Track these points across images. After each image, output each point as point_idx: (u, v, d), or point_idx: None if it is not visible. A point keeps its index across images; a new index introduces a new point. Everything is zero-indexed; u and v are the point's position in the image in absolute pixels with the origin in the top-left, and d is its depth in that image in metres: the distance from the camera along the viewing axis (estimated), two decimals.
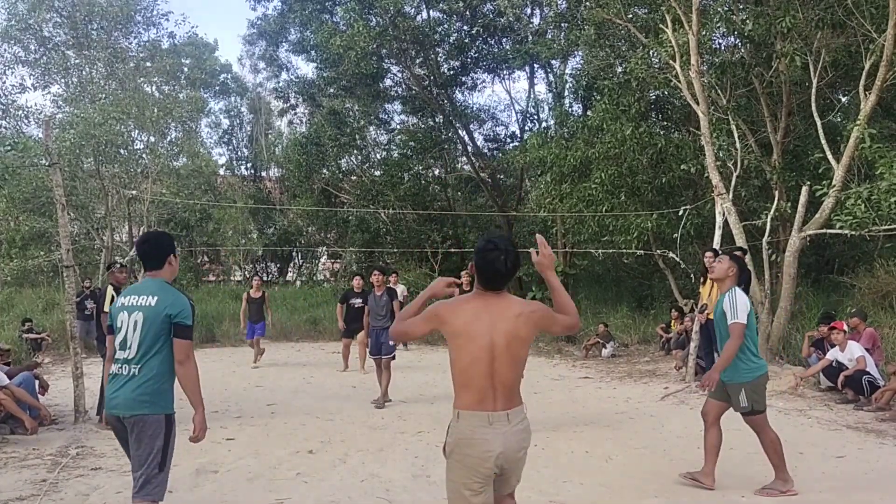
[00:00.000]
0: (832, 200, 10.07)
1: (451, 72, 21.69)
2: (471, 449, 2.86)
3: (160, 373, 3.55)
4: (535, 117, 22.47)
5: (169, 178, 22.29)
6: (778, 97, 12.69)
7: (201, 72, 29.18)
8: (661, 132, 15.15)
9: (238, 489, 5.14)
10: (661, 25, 12.17)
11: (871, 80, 9.97)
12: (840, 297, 12.79)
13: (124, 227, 20.84)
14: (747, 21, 11.53)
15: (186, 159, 24.75)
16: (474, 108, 23.28)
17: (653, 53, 13.03)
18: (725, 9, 11.83)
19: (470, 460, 2.86)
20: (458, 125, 21.71)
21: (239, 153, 32.07)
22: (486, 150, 23.37)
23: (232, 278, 26.83)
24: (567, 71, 19.55)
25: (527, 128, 22.30)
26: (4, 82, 23.06)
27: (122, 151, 19.32)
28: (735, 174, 11.73)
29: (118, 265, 7.93)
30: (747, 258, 10.58)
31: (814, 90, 11.07)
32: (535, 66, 20.78)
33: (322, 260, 27.85)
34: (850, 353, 8.31)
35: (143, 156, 20.79)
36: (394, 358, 8.85)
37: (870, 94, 9.90)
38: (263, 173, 31.03)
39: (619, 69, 14.99)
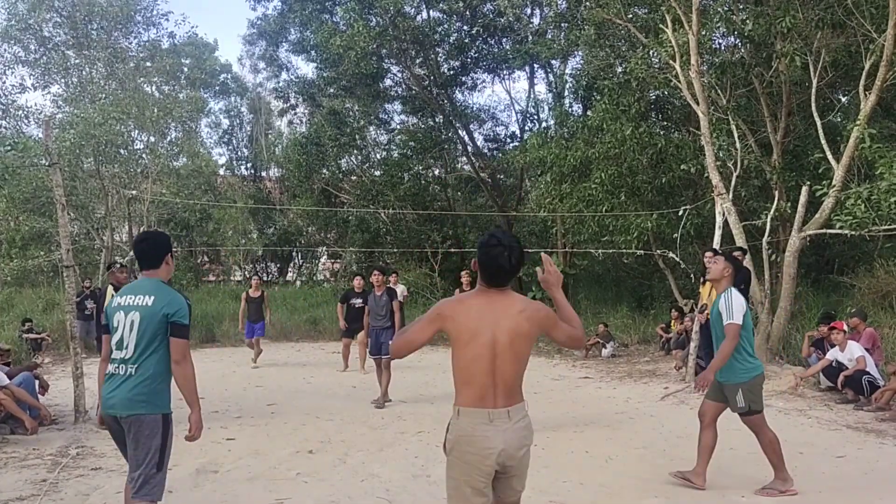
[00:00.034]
0: (832, 200, 10.07)
1: (451, 72, 21.69)
2: (471, 446, 2.84)
3: (157, 372, 3.56)
4: (535, 117, 22.50)
5: (169, 178, 22.30)
6: (778, 97, 12.69)
7: (201, 72, 29.18)
8: (661, 132, 15.14)
9: (238, 489, 5.14)
10: (661, 25, 12.17)
11: (871, 80, 9.97)
12: (840, 297, 12.78)
13: (124, 227, 20.85)
14: (747, 21, 11.53)
15: (186, 159, 24.76)
16: (474, 108, 23.31)
17: (653, 53, 13.03)
18: (725, 9, 11.83)
19: (470, 457, 2.84)
20: (458, 125, 21.71)
21: (239, 153, 32.09)
22: (486, 150, 23.37)
23: (232, 278, 26.83)
24: (567, 71, 19.57)
25: (527, 128, 22.32)
26: (4, 82, 23.11)
27: (122, 151, 19.34)
28: (735, 174, 11.73)
29: (118, 265, 7.94)
30: (747, 258, 10.59)
31: (814, 90, 11.07)
32: (535, 66, 20.79)
33: (322, 260, 27.86)
34: (850, 353, 8.31)
35: (143, 156, 20.81)
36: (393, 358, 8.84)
37: (870, 94, 9.90)
38: (263, 173, 31.04)
39: (619, 69, 14.99)
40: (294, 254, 26.91)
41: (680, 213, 12.60)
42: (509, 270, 2.92)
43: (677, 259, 12.67)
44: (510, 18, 19.49)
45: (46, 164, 10.29)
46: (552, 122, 19.69)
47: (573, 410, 8.27)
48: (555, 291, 3.07)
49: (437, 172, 23.39)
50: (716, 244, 10.36)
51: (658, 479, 5.31)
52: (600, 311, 16.36)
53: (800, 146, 12.99)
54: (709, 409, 5.12)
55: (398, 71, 21.78)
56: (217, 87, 30.80)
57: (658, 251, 13.92)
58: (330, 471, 5.64)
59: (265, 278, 25.89)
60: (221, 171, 30.10)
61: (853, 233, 9.65)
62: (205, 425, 7.08)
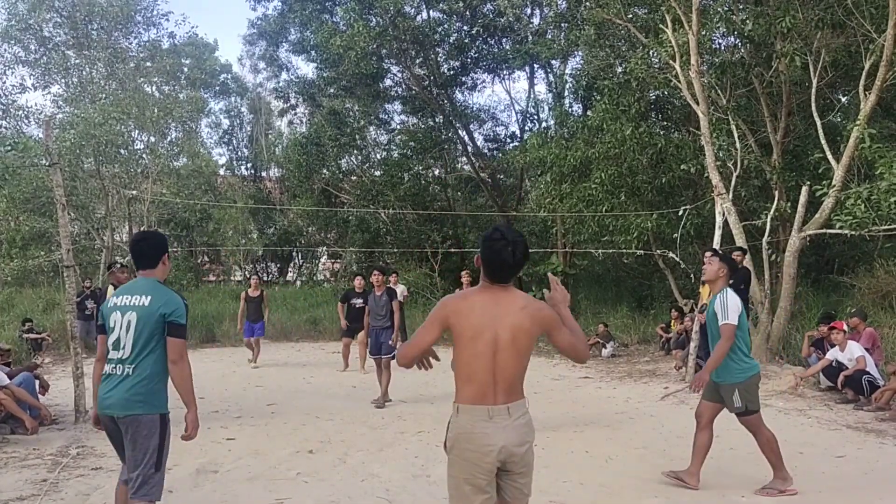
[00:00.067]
0: (832, 200, 10.08)
1: (451, 72, 21.68)
2: (470, 443, 2.82)
3: (154, 372, 3.56)
4: (535, 117, 22.49)
5: (169, 178, 22.30)
6: (778, 97, 12.69)
7: (201, 72, 29.16)
8: (661, 132, 15.15)
9: (238, 489, 5.14)
10: (661, 25, 12.17)
11: (871, 80, 9.98)
12: (840, 297, 12.79)
13: (124, 227, 20.86)
14: (747, 21, 11.53)
15: (186, 159, 24.76)
16: (474, 108, 23.29)
17: (653, 53, 13.03)
18: (725, 9, 11.83)
19: (470, 455, 2.82)
20: (458, 125, 21.71)
21: (239, 153, 32.07)
22: (486, 150, 23.37)
23: (232, 278, 26.84)
24: (567, 71, 19.56)
25: (527, 128, 22.31)
26: (5, 82, 23.09)
27: (122, 151, 19.33)
28: (735, 174, 11.74)
29: (118, 265, 7.94)
30: (747, 258, 10.60)
31: (814, 90, 11.07)
32: (535, 66, 20.78)
33: (322, 260, 27.86)
34: (850, 352, 8.32)
35: (144, 156, 20.80)
36: (393, 357, 8.86)
37: (870, 94, 9.90)
38: (263, 173, 31.03)
39: (619, 69, 14.99)
40: (294, 254, 26.91)
41: (680, 213, 12.60)
42: (513, 266, 2.88)
43: (677, 259, 12.67)
44: (510, 18, 19.49)
45: (47, 164, 10.29)
46: (552, 122, 19.69)
47: (573, 410, 8.27)
48: (562, 309, 3.02)
49: (437, 172, 23.38)
50: (716, 244, 10.36)
51: (658, 479, 5.31)
52: (600, 311, 16.37)
53: (800, 146, 12.99)
54: (706, 409, 5.13)
55: (398, 71, 21.78)
56: (217, 87, 30.78)
57: (658, 251, 13.92)
58: (330, 471, 5.64)
59: (265, 278, 25.90)
60: (221, 171, 30.10)
61: (853, 233, 9.66)
62: (205, 425, 7.07)
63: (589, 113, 16.74)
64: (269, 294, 13.63)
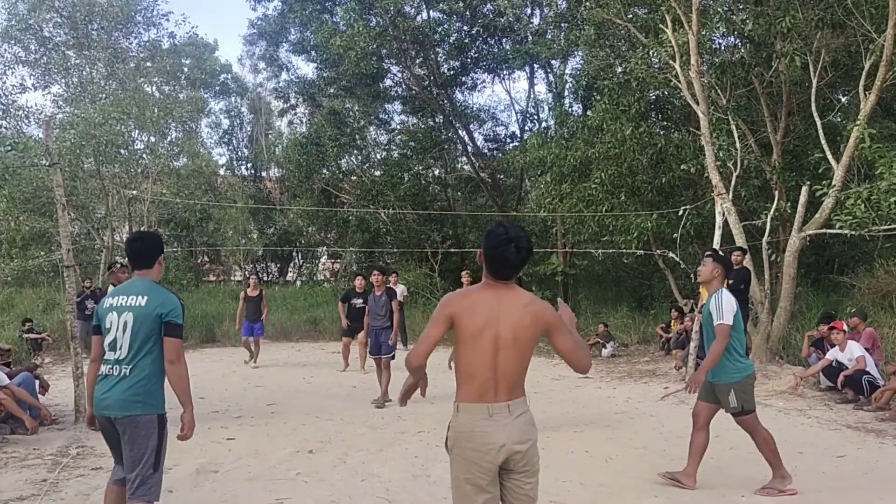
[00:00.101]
0: (832, 200, 10.08)
1: (451, 72, 21.69)
2: (470, 442, 2.80)
3: (151, 373, 3.57)
4: (535, 117, 22.49)
5: (169, 178, 22.30)
6: (778, 97, 12.69)
7: (201, 72, 29.15)
8: (661, 132, 15.14)
9: (238, 489, 5.14)
10: (661, 25, 12.17)
11: (871, 80, 9.97)
12: (840, 297, 12.79)
13: (125, 227, 20.84)
14: (747, 21, 11.53)
15: (186, 159, 24.75)
16: (474, 108, 23.29)
17: (653, 53, 13.03)
18: (725, 9, 11.82)
19: (470, 454, 2.79)
20: (458, 125, 21.71)
21: (239, 153, 32.06)
22: (486, 150, 23.37)
23: (232, 278, 26.83)
24: (567, 71, 19.56)
25: (527, 128, 22.31)
26: (5, 82, 23.09)
27: (122, 151, 19.33)
28: (735, 174, 11.73)
29: (119, 265, 7.92)
30: (747, 258, 10.60)
31: (814, 90, 11.07)
32: (535, 66, 20.78)
33: (322, 260, 27.85)
34: (850, 352, 8.32)
35: (144, 156, 20.81)
36: (393, 357, 8.86)
37: (870, 94, 9.90)
38: (263, 173, 31.02)
39: (619, 69, 14.99)
40: (294, 254, 26.90)
41: (680, 213, 12.60)
42: (516, 264, 2.84)
43: (677, 259, 12.67)
44: (510, 18, 19.49)
45: (47, 164, 10.29)
46: (552, 122, 19.69)
47: (573, 410, 8.27)
48: (569, 330, 3.00)
49: (437, 172, 23.38)
50: (716, 244, 10.36)
51: (658, 479, 5.32)
52: (600, 311, 16.36)
53: (800, 146, 12.99)
54: (702, 410, 5.14)
55: (398, 71, 21.78)
56: (217, 87, 30.77)
57: (658, 251, 13.92)
58: (330, 471, 5.64)
59: (265, 278, 25.89)
60: (221, 171, 30.09)
61: (853, 233, 9.66)
62: (205, 425, 7.06)
63: (589, 113, 16.74)
64: (268, 294, 13.61)
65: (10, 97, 22.98)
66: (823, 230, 10.46)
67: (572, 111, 18.86)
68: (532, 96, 22.49)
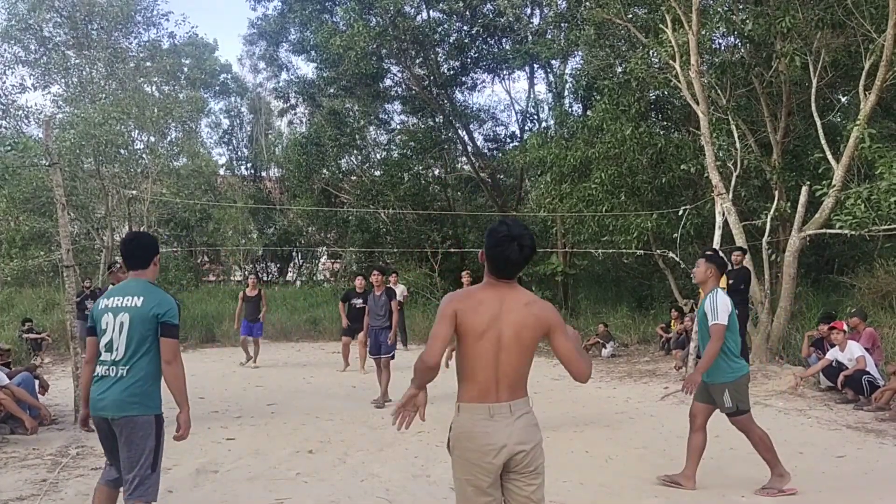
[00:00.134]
0: (832, 200, 10.08)
1: (451, 72, 21.69)
2: (471, 442, 2.76)
3: (148, 373, 3.57)
4: (535, 117, 22.50)
5: (169, 178, 22.29)
6: (778, 97, 12.69)
7: (201, 72, 29.15)
8: (661, 132, 15.15)
9: (238, 489, 5.14)
10: (661, 25, 12.17)
11: (871, 80, 9.98)
12: (840, 297, 12.79)
13: (124, 227, 20.81)
14: (747, 21, 11.53)
15: (186, 159, 24.74)
16: (474, 108, 23.29)
17: (653, 53, 13.03)
18: (725, 9, 11.83)
19: (470, 454, 2.76)
20: (458, 125, 21.71)
21: (239, 153, 32.07)
22: (485, 150, 23.37)
23: (232, 278, 26.82)
24: (567, 71, 19.56)
25: (527, 128, 22.32)
26: (4, 82, 23.09)
27: (122, 151, 19.32)
28: (735, 174, 11.74)
29: (119, 265, 7.92)
30: (747, 258, 10.60)
31: (814, 90, 11.07)
32: (535, 66, 20.79)
33: (322, 260, 27.85)
34: (850, 352, 8.31)
35: (143, 156, 20.80)
36: (393, 357, 8.86)
37: (870, 94, 9.90)
38: (263, 173, 31.03)
39: (619, 69, 14.99)
40: (294, 254, 26.90)
41: (680, 213, 12.60)
42: (518, 262, 2.80)
43: (677, 259, 12.67)
44: (510, 18, 19.49)
45: (46, 164, 10.29)
46: (552, 122, 19.69)
47: (573, 410, 8.27)
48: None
49: (437, 172, 23.38)
50: (716, 244, 10.36)
51: (657, 481, 5.31)
52: (600, 311, 16.36)
53: (800, 146, 13.00)
54: (699, 411, 5.14)
55: (398, 71, 21.78)
56: (217, 87, 30.77)
57: (658, 251, 13.92)
58: (330, 471, 5.64)
59: (265, 278, 25.88)
60: (221, 171, 30.08)
61: (853, 233, 9.66)
62: (205, 425, 7.06)
63: (589, 113, 16.74)
64: (267, 294, 13.62)
65: (10, 97, 23.01)
66: (823, 230, 10.46)
67: (572, 111, 18.87)
68: (532, 96, 22.52)
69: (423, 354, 2.78)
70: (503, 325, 2.77)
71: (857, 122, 9.85)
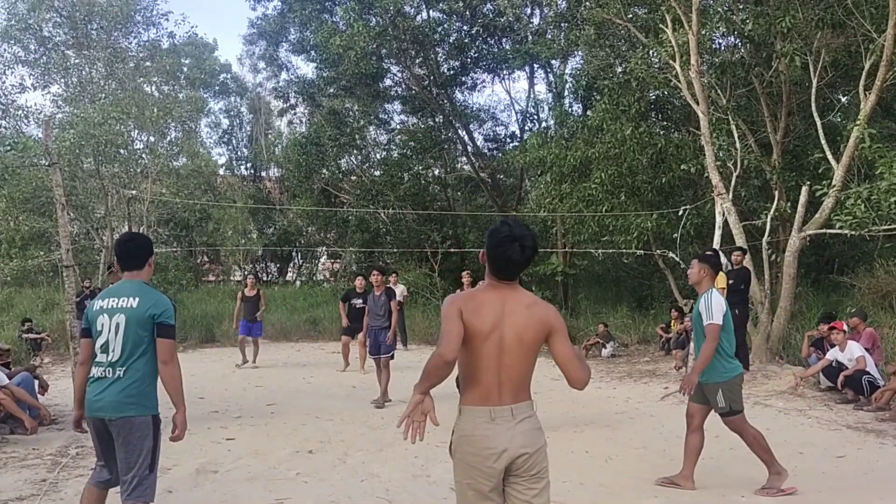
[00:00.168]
0: (832, 200, 10.08)
1: (451, 72, 21.69)
2: (471, 446, 2.72)
3: (145, 374, 3.57)
4: (535, 117, 22.50)
5: (169, 178, 22.27)
6: (778, 97, 12.69)
7: (201, 72, 29.15)
8: (661, 132, 15.15)
9: (238, 489, 5.13)
10: (661, 25, 12.17)
11: (871, 80, 9.98)
12: (840, 297, 12.79)
13: (124, 227, 20.78)
14: (747, 21, 11.53)
15: (186, 159, 24.73)
16: (474, 108, 23.29)
17: (653, 53, 13.04)
18: (725, 9, 11.83)
19: (471, 458, 2.73)
20: (457, 125, 21.71)
21: (239, 153, 32.07)
22: (485, 150, 23.37)
23: (232, 278, 26.82)
24: (567, 71, 19.56)
25: (527, 128, 22.32)
26: (4, 82, 23.09)
27: (121, 151, 19.31)
28: (735, 174, 11.74)
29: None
30: (747, 258, 10.60)
31: (814, 90, 11.07)
32: (535, 66, 20.79)
33: (322, 260, 27.85)
34: (850, 353, 8.31)
35: (143, 156, 20.79)
36: (392, 357, 8.86)
37: (870, 94, 9.90)
38: (263, 173, 31.03)
39: (619, 69, 15.00)
40: (294, 254, 26.90)
41: (680, 213, 12.60)
42: (520, 263, 2.76)
43: (677, 259, 12.67)
44: (510, 18, 19.49)
45: (46, 164, 10.28)
46: (552, 122, 19.69)
47: (573, 410, 8.26)
48: None
49: (436, 172, 23.38)
50: (716, 244, 10.37)
51: (658, 478, 5.31)
52: (600, 311, 16.36)
53: (800, 146, 13.00)
54: (696, 412, 5.14)
55: (398, 71, 21.78)
56: (217, 87, 30.77)
57: (658, 251, 13.92)
58: (330, 471, 5.64)
59: (265, 278, 25.88)
60: (221, 171, 30.09)
61: (853, 233, 9.66)
62: (205, 425, 7.06)
63: (589, 113, 16.74)
64: (267, 294, 13.61)
65: (10, 97, 23.01)
66: (823, 230, 10.46)
67: (572, 111, 18.87)
68: (532, 96, 22.52)
69: (439, 350, 2.66)
70: (506, 328, 2.73)
71: (857, 122, 9.85)
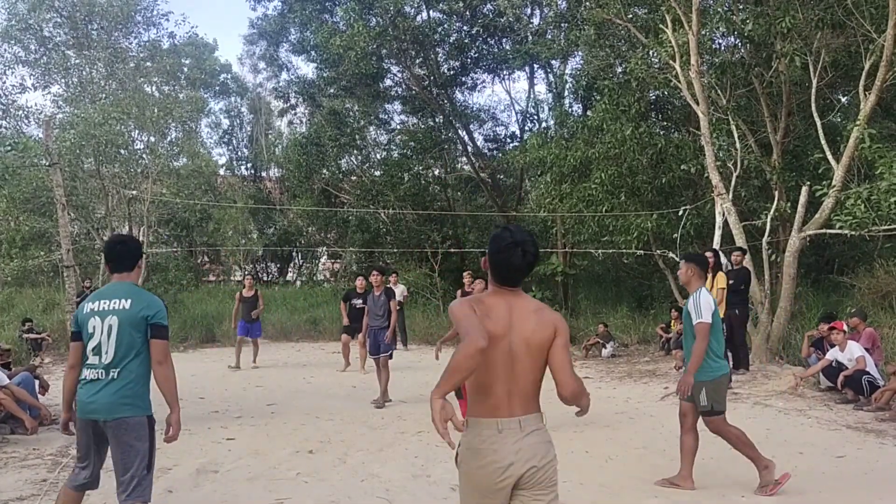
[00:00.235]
0: (832, 200, 10.08)
1: (451, 72, 21.69)
2: (476, 460, 2.60)
3: (139, 375, 3.58)
4: (535, 117, 22.51)
5: (169, 178, 22.29)
6: (778, 97, 12.69)
7: (201, 72, 29.18)
8: (661, 132, 15.16)
9: (238, 489, 5.14)
10: (661, 25, 12.17)
11: (871, 80, 9.98)
12: (840, 297, 12.78)
13: (124, 228, 20.82)
14: (747, 21, 11.53)
15: (186, 159, 24.75)
16: (474, 108, 23.30)
17: (653, 53, 13.04)
18: (725, 9, 11.83)
19: (476, 471, 2.61)
20: (458, 125, 21.71)
21: (239, 153, 32.10)
22: (485, 150, 23.38)
23: (232, 278, 26.84)
24: (567, 71, 19.56)
25: (527, 128, 22.32)
26: (4, 82, 23.13)
27: (122, 151, 19.32)
28: (735, 174, 11.74)
29: None
30: (747, 258, 10.60)
31: (814, 90, 11.07)
32: (535, 66, 20.79)
33: (322, 260, 27.86)
34: (850, 353, 8.31)
35: (143, 156, 20.79)
36: (391, 356, 8.86)
37: (870, 94, 9.90)
38: (263, 173, 31.05)
39: (619, 69, 15.00)
40: (294, 254, 26.91)
41: (680, 213, 12.61)
42: (522, 268, 2.69)
43: (677, 259, 12.67)
44: (510, 18, 19.49)
45: (46, 164, 10.30)
46: (552, 122, 19.69)
47: (573, 410, 8.25)
48: None
49: (437, 172, 23.38)
50: (716, 244, 10.38)
51: (658, 479, 5.31)
52: (600, 311, 16.35)
53: (800, 146, 13.00)
54: (689, 411, 5.14)
55: (398, 71, 21.78)
56: (217, 87, 30.80)
57: (658, 251, 13.92)
58: (330, 471, 5.64)
59: (265, 278, 25.90)
60: (221, 171, 30.11)
61: (853, 233, 9.66)
62: (205, 425, 7.05)
63: (589, 113, 16.74)
64: (266, 294, 13.61)
65: (10, 97, 23.03)
66: (823, 230, 10.46)
67: (572, 111, 18.87)
68: (532, 96, 22.53)
69: (469, 339, 2.43)
70: (514, 334, 2.64)
71: (857, 123, 9.85)
